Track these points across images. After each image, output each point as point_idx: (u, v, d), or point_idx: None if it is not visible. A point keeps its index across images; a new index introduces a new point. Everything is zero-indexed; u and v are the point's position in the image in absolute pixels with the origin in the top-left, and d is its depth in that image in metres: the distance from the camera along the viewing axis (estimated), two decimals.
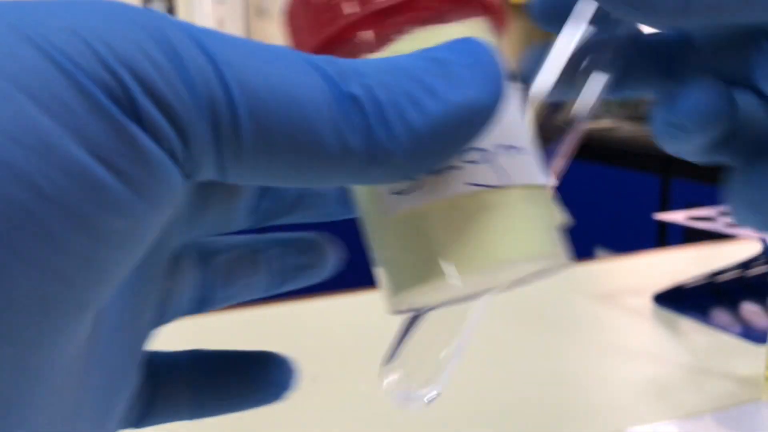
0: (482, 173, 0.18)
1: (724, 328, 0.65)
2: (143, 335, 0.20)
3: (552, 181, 0.20)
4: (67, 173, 0.12)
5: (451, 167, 0.18)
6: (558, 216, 0.20)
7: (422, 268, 0.18)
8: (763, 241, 0.67)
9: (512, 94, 0.19)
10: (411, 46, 0.18)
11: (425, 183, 0.18)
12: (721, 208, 0.78)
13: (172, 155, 0.13)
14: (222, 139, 0.14)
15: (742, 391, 0.53)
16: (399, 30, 0.19)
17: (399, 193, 0.18)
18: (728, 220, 0.75)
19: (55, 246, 0.12)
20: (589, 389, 0.54)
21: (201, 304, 0.23)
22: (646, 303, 0.71)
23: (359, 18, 0.18)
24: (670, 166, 1.93)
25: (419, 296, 0.19)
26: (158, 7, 2.62)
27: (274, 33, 2.79)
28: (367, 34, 0.19)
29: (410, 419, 0.47)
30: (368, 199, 0.20)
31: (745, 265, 0.70)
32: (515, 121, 0.19)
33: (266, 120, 0.14)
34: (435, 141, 0.16)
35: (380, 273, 0.20)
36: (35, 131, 0.12)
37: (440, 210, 0.18)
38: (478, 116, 0.16)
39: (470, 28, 0.19)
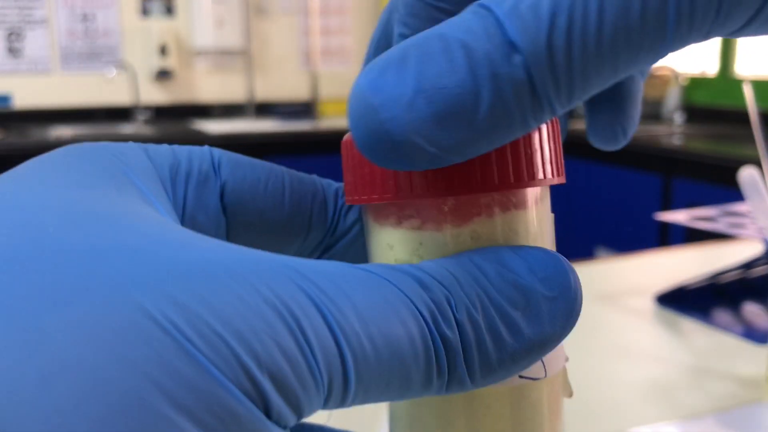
0: (534, 368, 0.19)
1: (725, 328, 0.65)
2: None
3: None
4: None
5: None
6: (568, 388, 0.21)
7: None
8: (766, 241, 0.67)
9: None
10: (489, 228, 0.18)
11: None
12: (723, 208, 0.78)
13: (287, 427, 0.14)
14: (329, 404, 0.15)
15: (743, 392, 0.53)
16: (478, 212, 0.19)
17: None
18: (730, 220, 0.75)
19: None
20: (591, 390, 0.54)
21: None
22: (648, 303, 0.71)
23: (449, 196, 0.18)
24: (672, 165, 1.93)
25: None
26: (157, 7, 2.62)
27: (273, 32, 2.79)
28: (450, 208, 0.19)
29: None
30: None
31: (747, 265, 0.70)
32: None
33: (371, 382, 0.15)
34: (506, 371, 0.16)
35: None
36: None
37: (484, 395, 0.19)
38: (549, 346, 0.17)
39: (544, 203, 0.20)
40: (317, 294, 0.14)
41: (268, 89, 2.79)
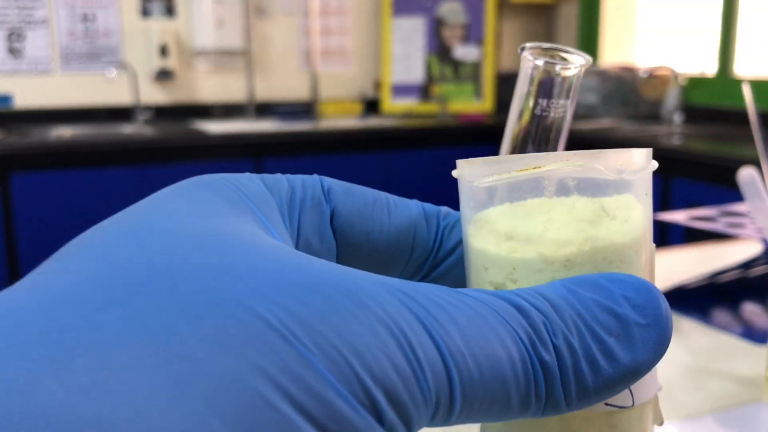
0: (621, 396, 0.19)
1: (725, 328, 0.65)
2: None
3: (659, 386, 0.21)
4: None
5: None
6: (659, 416, 0.21)
7: None
8: (765, 241, 0.67)
9: None
10: (583, 257, 0.19)
11: None
12: (723, 208, 0.78)
13: None
14: (436, 420, 0.16)
15: (743, 392, 0.53)
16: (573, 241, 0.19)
17: None
18: (729, 220, 0.75)
19: None
20: None
21: None
22: None
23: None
24: (671, 165, 1.93)
25: None
26: (158, 7, 2.62)
27: (274, 33, 2.79)
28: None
29: None
30: None
31: (746, 265, 0.70)
32: None
33: (474, 401, 0.16)
34: (600, 396, 0.17)
35: None
36: None
37: (571, 420, 0.19)
38: (642, 372, 0.18)
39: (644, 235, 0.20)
40: (424, 314, 0.15)
41: (269, 89, 2.79)
